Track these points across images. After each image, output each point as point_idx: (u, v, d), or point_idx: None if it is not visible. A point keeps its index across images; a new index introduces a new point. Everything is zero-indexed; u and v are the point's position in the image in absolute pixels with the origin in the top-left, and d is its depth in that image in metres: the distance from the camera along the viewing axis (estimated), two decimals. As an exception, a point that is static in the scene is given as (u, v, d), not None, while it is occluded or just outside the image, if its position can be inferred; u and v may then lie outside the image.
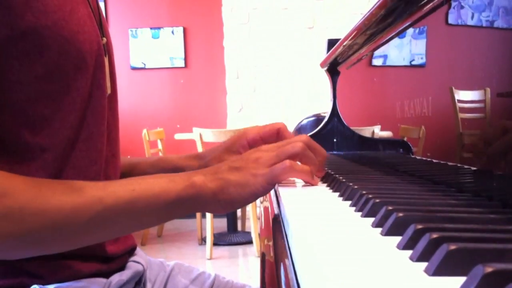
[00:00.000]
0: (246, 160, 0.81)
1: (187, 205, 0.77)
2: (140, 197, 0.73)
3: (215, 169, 0.80)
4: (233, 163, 0.81)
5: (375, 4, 1.10)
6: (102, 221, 0.71)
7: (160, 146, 5.07)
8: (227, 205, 0.78)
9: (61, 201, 0.67)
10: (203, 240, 4.70)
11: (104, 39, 0.93)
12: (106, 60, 0.93)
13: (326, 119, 1.78)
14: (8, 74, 0.75)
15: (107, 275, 0.93)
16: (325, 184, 0.92)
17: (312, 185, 0.88)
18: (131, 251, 1.05)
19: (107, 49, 0.95)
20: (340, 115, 1.75)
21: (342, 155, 1.70)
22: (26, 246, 0.68)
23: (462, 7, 0.83)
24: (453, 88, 0.85)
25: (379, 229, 0.53)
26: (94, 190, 0.70)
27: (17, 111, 0.77)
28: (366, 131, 1.48)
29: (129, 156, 1.15)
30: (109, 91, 0.94)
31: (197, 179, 0.76)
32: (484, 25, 0.76)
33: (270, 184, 0.78)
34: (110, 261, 0.95)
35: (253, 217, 4.27)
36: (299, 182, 0.92)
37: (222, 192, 0.77)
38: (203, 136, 4.20)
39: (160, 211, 0.75)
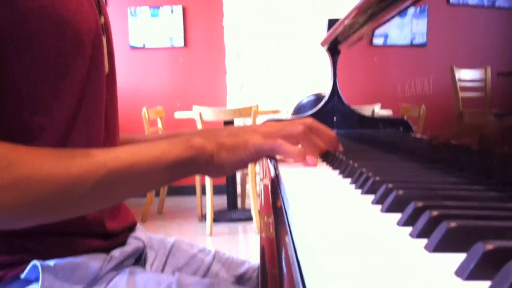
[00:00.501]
0: (245, 129, 0.84)
1: (187, 167, 0.79)
2: (142, 160, 0.74)
3: (215, 132, 0.83)
4: (233, 129, 0.84)
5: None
6: (107, 184, 0.71)
7: (160, 124, 5.07)
8: (219, 168, 0.80)
9: (67, 167, 0.68)
10: (203, 217, 4.72)
11: (102, 18, 0.93)
12: (104, 39, 0.93)
13: (326, 98, 1.78)
14: (8, 57, 0.75)
15: (107, 251, 0.93)
16: (325, 162, 0.92)
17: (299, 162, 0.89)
18: (131, 228, 1.05)
19: (105, 29, 0.95)
20: (340, 94, 1.75)
21: (342, 133, 1.70)
22: (36, 214, 0.68)
23: (464, -15, 0.83)
24: (454, 67, 0.84)
25: (379, 206, 0.53)
26: (98, 156, 0.71)
27: (17, 93, 0.77)
28: (366, 110, 1.48)
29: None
30: (107, 70, 0.94)
31: (195, 141, 0.78)
32: (485, 4, 0.76)
33: (258, 155, 0.81)
34: (110, 237, 0.95)
35: (253, 194, 4.28)
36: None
37: (217, 154, 0.79)
38: (203, 115, 4.19)
39: (161, 173, 0.77)
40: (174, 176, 0.79)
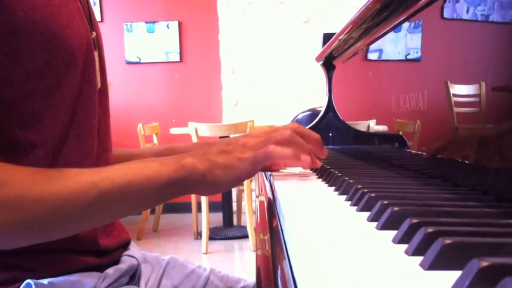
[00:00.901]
0: (234, 144, 0.84)
1: (178, 187, 0.79)
2: (134, 181, 0.74)
3: (204, 151, 0.82)
4: (222, 146, 0.84)
5: (371, -2, 1.10)
6: (99, 205, 0.71)
7: (155, 140, 5.06)
8: (213, 187, 0.80)
9: (57, 187, 0.68)
10: (198, 235, 4.70)
11: (94, 33, 0.93)
12: (96, 54, 0.93)
13: (321, 113, 1.78)
14: (0, 71, 0.75)
15: (101, 269, 0.93)
16: (321, 179, 0.92)
17: (306, 173, 0.93)
18: (125, 245, 1.05)
19: (97, 43, 0.95)
20: (336, 109, 1.75)
21: (337, 149, 1.70)
22: (26, 233, 0.68)
23: (457, 1, 0.83)
24: (448, 82, 0.85)
25: (375, 223, 0.53)
26: (89, 176, 0.71)
27: (8, 108, 0.77)
28: (361, 125, 1.48)
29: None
30: (99, 85, 0.94)
31: (187, 161, 0.78)
32: (479, 19, 0.76)
33: (254, 169, 0.82)
34: (104, 255, 0.95)
35: (248, 211, 4.27)
36: (296, 170, 0.95)
37: (210, 174, 0.79)
38: (199, 131, 4.19)
39: (153, 193, 0.77)
40: (165, 196, 0.79)
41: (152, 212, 5.32)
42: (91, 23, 0.93)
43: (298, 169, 1.02)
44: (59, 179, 0.69)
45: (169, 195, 0.79)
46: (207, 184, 0.80)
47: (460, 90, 0.82)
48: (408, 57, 1.06)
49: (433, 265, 0.36)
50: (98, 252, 0.93)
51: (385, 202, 0.55)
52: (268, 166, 0.92)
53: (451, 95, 0.84)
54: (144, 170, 0.76)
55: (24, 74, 0.77)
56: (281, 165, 0.93)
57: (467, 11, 0.80)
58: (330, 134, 1.76)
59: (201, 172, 0.78)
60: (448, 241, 0.37)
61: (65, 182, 0.69)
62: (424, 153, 0.97)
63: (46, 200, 0.66)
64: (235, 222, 5.13)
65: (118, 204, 0.75)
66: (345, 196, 0.71)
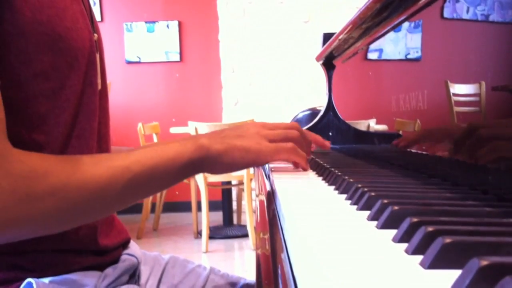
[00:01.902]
0: (247, 131, 0.90)
1: (196, 166, 0.84)
2: (160, 162, 0.79)
3: (220, 133, 0.89)
4: (236, 131, 0.90)
5: (371, -2, 1.10)
6: (132, 187, 0.76)
7: (155, 140, 5.06)
8: (228, 166, 0.86)
9: (97, 173, 0.72)
10: (198, 234, 4.70)
11: (96, 35, 0.93)
12: (97, 57, 0.93)
13: (321, 113, 1.78)
14: (8, 73, 0.75)
15: (101, 268, 0.93)
16: (321, 178, 0.92)
17: (305, 170, 0.99)
18: (124, 244, 1.05)
19: (98, 45, 0.95)
20: (336, 108, 1.75)
21: (337, 148, 1.70)
22: (71, 219, 0.73)
23: (457, 1, 0.83)
24: (448, 81, 0.85)
25: (375, 222, 0.53)
26: (120, 161, 0.76)
27: (15, 109, 0.77)
28: (361, 125, 1.48)
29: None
30: (99, 87, 0.94)
31: (204, 141, 0.84)
32: (479, 19, 0.77)
33: (272, 157, 0.88)
34: (104, 254, 0.95)
35: (248, 210, 4.27)
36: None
37: (227, 154, 0.85)
38: (199, 130, 4.19)
39: (176, 173, 0.82)
40: (185, 175, 0.85)
41: (152, 211, 5.32)
42: (93, 25, 0.94)
43: None
44: (95, 165, 0.73)
45: (188, 174, 0.85)
46: (223, 164, 0.85)
47: (460, 89, 0.82)
48: (408, 56, 1.06)
49: (433, 264, 0.36)
50: (98, 252, 0.94)
51: (385, 201, 0.55)
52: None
53: (451, 94, 0.84)
54: (167, 152, 0.81)
55: (31, 75, 0.77)
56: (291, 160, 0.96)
57: (467, 11, 0.80)
58: (330, 133, 1.77)
59: (219, 152, 0.84)
60: (448, 240, 0.37)
61: (101, 167, 0.73)
62: (414, 150, 0.97)
63: (88, 186, 0.70)
64: (235, 221, 5.12)
65: (148, 185, 0.80)
66: (345, 195, 0.71)
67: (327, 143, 1.12)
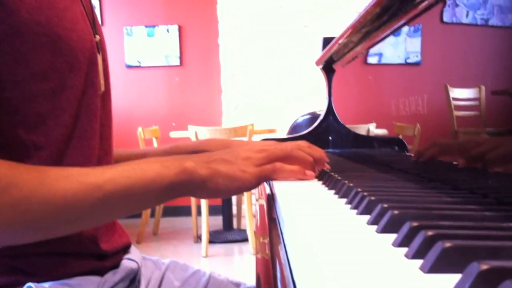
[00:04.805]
0: (236, 156, 0.86)
1: (179, 190, 0.81)
2: (137, 183, 0.76)
3: (206, 157, 0.84)
4: (224, 155, 0.85)
5: (371, 2, 1.10)
6: (103, 206, 0.73)
7: (155, 144, 5.06)
8: (213, 193, 0.83)
9: (64, 189, 0.69)
10: (198, 238, 4.70)
11: (97, 36, 0.94)
12: (99, 58, 0.93)
13: (321, 117, 1.78)
14: (4, 73, 0.75)
15: (101, 273, 0.93)
16: (321, 182, 0.92)
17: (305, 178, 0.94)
18: (125, 249, 1.05)
19: (101, 47, 0.95)
20: (336, 113, 1.75)
21: (337, 153, 1.70)
22: (33, 232, 0.70)
23: (457, 5, 0.83)
24: (448, 86, 0.85)
25: (375, 227, 0.53)
26: (93, 177, 0.72)
27: (13, 109, 0.77)
28: (361, 129, 1.48)
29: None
30: (102, 89, 0.95)
31: (188, 165, 0.80)
32: (479, 23, 0.77)
33: (257, 183, 0.86)
34: (104, 259, 0.95)
35: (248, 215, 4.27)
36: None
37: (211, 181, 0.82)
38: (199, 134, 4.20)
39: (155, 195, 0.79)
40: (166, 198, 0.81)
41: (152, 215, 5.32)
42: (95, 27, 0.94)
43: None
44: (65, 179, 0.70)
45: (169, 197, 0.81)
46: (207, 190, 0.82)
47: (460, 93, 0.82)
48: (408, 61, 1.06)
49: (433, 268, 0.36)
50: (99, 256, 0.94)
51: (385, 205, 0.55)
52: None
53: (451, 98, 0.84)
54: (147, 173, 0.77)
55: (28, 75, 0.77)
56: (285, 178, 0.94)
57: (467, 15, 0.80)
58: (330, 138, 1.77)
59: (202, 178, 0.81)
60: (448, 244, 0.37)
61: (70, 182, 0.70)
62: (420, 156, 0.97)
63: (52, 201, 0.68)
64: (235, 225, 5.12)
65: (121, 205, 0.76)
66: (345, 200, 0.71)
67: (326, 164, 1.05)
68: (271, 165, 0.87)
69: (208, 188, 0.82)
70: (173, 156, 0.85)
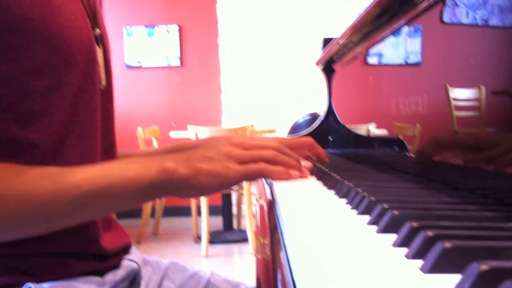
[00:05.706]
0: (218, 152, 0.85)
1: (159, 190, 0.81)
2: (115, 183, 0.76)
3: (187, 156, 0.84)
4: (205, 152, 0.85)
5: (371, 3, 1.10)
6: (80, 205, 0.74)
7: (155, 144, 5.06)
8: (196, 191, 0.83)
9: (40, 187, 0.71)
10: (198, 238, 4.70)
11: (97, 30, 0.93)
12: (100, 52, 0.93)
13: (321, 118, 1.78)
14: None
15: (101, 273, 0.92)
16: (321, 182, 0.92)
17: (301, 177, 0.92)
18: (126, 249, 1.04)
19: (101, 41, 0.95)
20: (336, 113, 1.75)
21: (337, 153, 1.70)
22: (12, 228, 0.72)
23: (457, 5, 0.83)
24: (448, 86, 0.85)
25: (375, 227, 0.53)
26: (70, 177, 0.73)
27: (6, 106, 0.77)
28: (361, 129, 1.48)
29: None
30: (103, 83, 0.94)
31: (169, 165, 0.80)
32: (479, 23, 0.77)
33: (241, 180, 0.85)
34: (105, 259, 0.95)
35: (248, 215, 4.27)
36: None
37: (193, 179, 0.81)
38: (199, 134, 4.20)
39: (134, 195, 0.79)
40: (146, 198, 0.82)
41: (152, 216, 5.32)
42: (96, 21, 0.93)
43: None
44: (42, 178, 0.72)
45: (151, 197, 0.82)
46: (190, 189, 0.82)
47: (460, 94, 0.82)
48: (408, 61, 1.06)
49: (433, 269, 0.36)
50: (99, 256, 0.93)
51: (385, 205, 0.55)
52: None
53: (451, 99, 0.84)
54: (126, 173, 0.78)
55: (22, 72, 0.77)
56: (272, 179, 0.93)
57: (467, 15, 0.80)
58: (330, 138, 1.77)
59: (184, 177, 0.80)
60: (448, 244, 0.37)
61: (47, 181, 0.71)
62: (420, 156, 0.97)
63: (27, 199, 0.70)
64: (235, 225, 5.12)
65: (99, 205, 0.78)
66: (345, 200, 0.71)
67: (322, 153, 1.06)
68: (256, 165, 0.85)
69: (190, 186, 0.81)
70: (156, 156, 0.85)
